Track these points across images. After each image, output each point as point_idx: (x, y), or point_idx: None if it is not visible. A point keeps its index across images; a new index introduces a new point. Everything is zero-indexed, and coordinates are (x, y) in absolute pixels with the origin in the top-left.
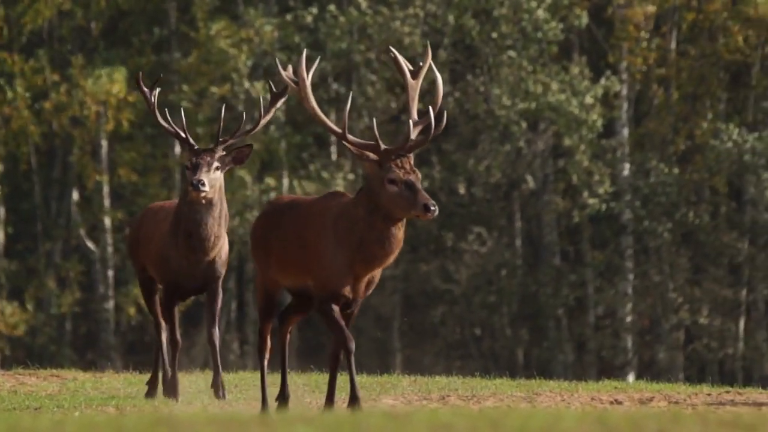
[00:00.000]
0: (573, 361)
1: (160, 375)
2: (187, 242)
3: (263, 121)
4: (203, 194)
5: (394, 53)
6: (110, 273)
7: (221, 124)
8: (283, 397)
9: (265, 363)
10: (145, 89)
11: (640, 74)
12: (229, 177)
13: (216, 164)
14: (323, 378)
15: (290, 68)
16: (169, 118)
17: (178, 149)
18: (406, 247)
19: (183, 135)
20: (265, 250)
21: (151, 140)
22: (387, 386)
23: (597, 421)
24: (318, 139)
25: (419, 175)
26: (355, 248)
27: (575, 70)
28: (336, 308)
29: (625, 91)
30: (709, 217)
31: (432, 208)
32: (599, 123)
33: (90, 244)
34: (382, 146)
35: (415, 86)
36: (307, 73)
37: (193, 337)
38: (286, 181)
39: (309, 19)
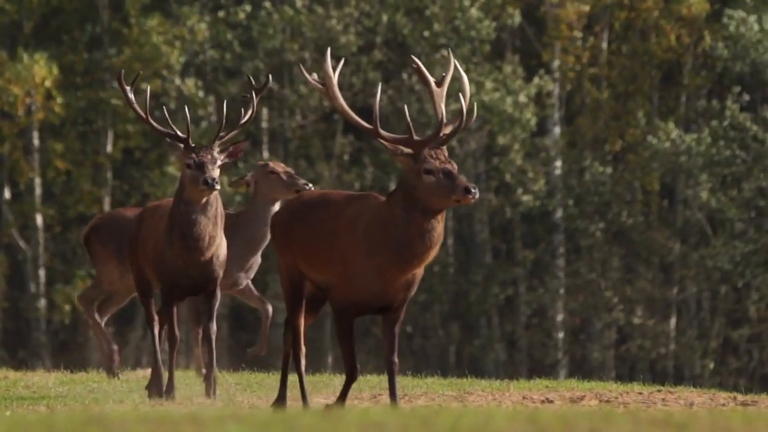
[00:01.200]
0: (504, 360)
1: (165, 374)
2: (182, 242)
3: (246, 119)
4: (215, 192)
5: (417, 63)
6: (41, 272)
7: (223, 120)
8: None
9: (302, 358)
10: (126, 87)
11: (573, 73)
12: (160, 172)
13: (218, 161)
14: (255, 377)
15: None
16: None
17: (110, 147)
18: None
19: (181, 135)
20: (289, 242)
21: (82, 137)
22: (319, 385)
23: (528, 420)
24: (249, 136)
25: (455, 166)
26: (392, 251)
27: (508, 69)
28: (352, 323)
29: (557, 90)
30: (642, 216)
31: (473, 190)
32: (533, 122)
33: (21, 243)
34: (416, 138)
35: (440, 93)
36: (333, 73)
37: (126, 335)
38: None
39: (242, 16)
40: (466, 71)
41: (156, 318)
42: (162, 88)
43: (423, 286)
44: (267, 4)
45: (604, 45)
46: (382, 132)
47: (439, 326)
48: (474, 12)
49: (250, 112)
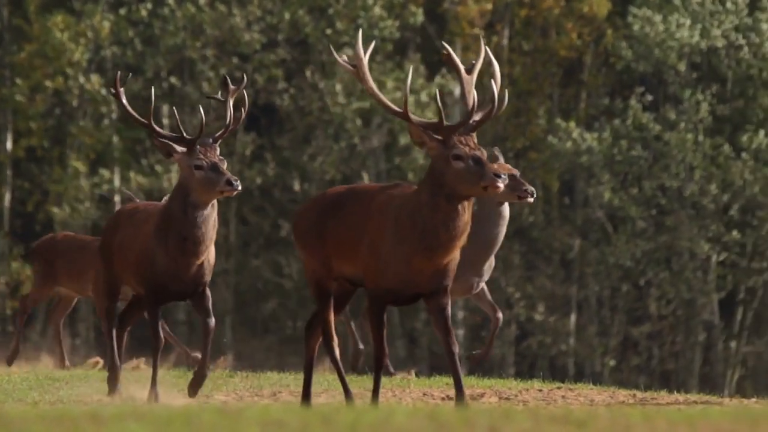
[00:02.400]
0: (405, 357)
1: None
2: (180, 245)
3: (231, 122)
4: (239, 191)
5: (447, 50)
6: None
7: (229, 121)
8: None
9: (336, 354)
10: (120, 89)
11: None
12: (62, 170)
13: (225, 161)
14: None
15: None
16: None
17: (10, 144)
18: (238, 241)
19: (188, 137)
20: (320, 239)
21: None
22: (218, 382)
23: (428, 416)
24: (151, 134)
25: (485, 152)
26: (418, 238)
27: (409, 67)
28: (384, 315)
29: (456, 88)
30: (543, 214)
31: (502, 176)
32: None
33: None
34: (445, 123)
35: (470, 80)
36: (365, 55)
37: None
38: (118, 175)
39: (144, 13)
40: (369, 70)
41: (116, 324)
42: (65, 85)
43: None
44: (170, 1)
45: (506, 43)
46: (412, 116)
47: (340, 322)
48: (377, 10)
49: (230, 114)
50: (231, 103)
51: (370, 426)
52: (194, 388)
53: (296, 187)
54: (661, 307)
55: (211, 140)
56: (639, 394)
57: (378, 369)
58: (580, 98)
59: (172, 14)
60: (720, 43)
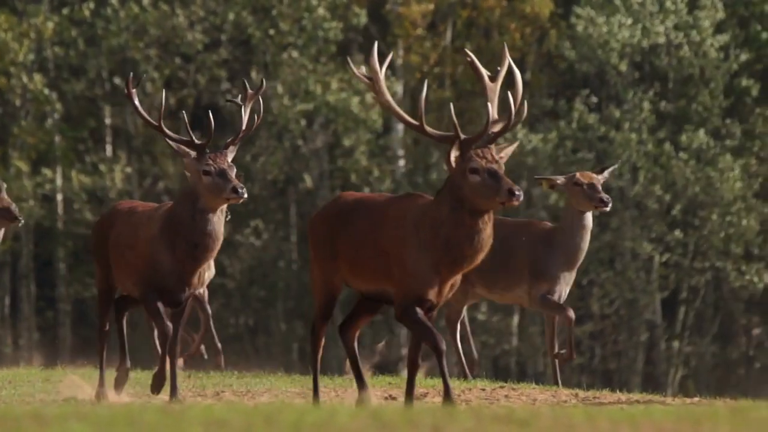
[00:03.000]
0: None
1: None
2: (190, 252)
3: (245, 125)
4: (244, 198)
5: (471, 57)
6: None
7: (244, 126)
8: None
9: (318, 360)
10: (132, 91)
11: (419, 72)
12: (5, 169)
13: (234, 168)
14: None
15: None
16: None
17: None
18: None
19: (197, 141)
20: (332, 252)
21: None
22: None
23: (371, 416)
24: (94, 133)
25: (503, 165)
26: (442, 250)
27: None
28: (420, 311)
29: (401, 89)
30: None
31: (517, 193)
32: (378, 123)
33: None
34: (462, 136)
35: (494, 88)
36: (380, 67)
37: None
38: (60, 174)
39: (87, 13)
40: (313, 71)
41: (105, 330)
42: (8, 85)
43: (266, 282)
44: (113, 1)
45: (448, 43)
46: (428, 128)
47: (282, 322)
48: (321, 11)
49: (248, 118)
50: (249, 107)
51: (312, 425)
52: (156, 388)
53: None
54: (603, 306)
55: (231, 146)
56: (582, 394)
57: (440, 363)
58: (524, 99)
59: (115, 14)
60: (661, 39)
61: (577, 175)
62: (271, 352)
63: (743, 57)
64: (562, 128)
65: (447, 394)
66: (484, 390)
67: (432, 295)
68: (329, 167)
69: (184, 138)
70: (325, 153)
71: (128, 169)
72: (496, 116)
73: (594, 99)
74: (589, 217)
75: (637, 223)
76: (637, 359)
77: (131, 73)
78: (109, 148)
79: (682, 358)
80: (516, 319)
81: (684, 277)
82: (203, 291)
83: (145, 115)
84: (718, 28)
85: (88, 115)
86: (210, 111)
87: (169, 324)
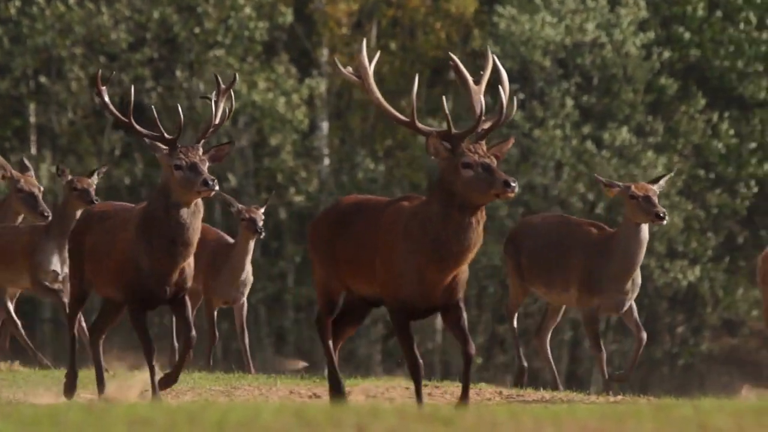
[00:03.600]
0: (272, 355)
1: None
2: (167, 248)
3: (218, 120)
4: (215, 193)
5: (454, 61)
6: None
7: (212, 122)
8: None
9: (332, 353)
10: (102, 88)
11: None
12: None
13: (207, 162)
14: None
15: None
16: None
17: None
18: None
19: (168, 136)
20: (332, 255)
21: None
22: (85, 381)
23: (295, 414)
24: (19, 132)
25: (494, 160)
26: (429, 250)
27: (281, 68)
28: (406, 320)
29: (324, 87)
30: None
31: (512, 184)
32: (305, 123)
33: None
34: (453, 131)
35: (478, 90)
36: (372, 62)
37: None
38: None
39: (12, 11)
40: (239, 71)
41: (90, 333)
42: None
43: None
44: (39, 0)
45: (373, 43)
46: (420, 125)
47: (206, 321)
48: (247, 11)
49: (220, 112)
50: (222, 102)
51: (236, 424)
52: (162, 387)
53: None
54: (526, 305)
55: (202, 141)
56: (505, 391)
57: (416, 379)
58: (448, 97)
59: (41, 13)
60: (585, 38)
61: (633, 187)
62: (194, 351)
63: (665, 55)
64: None
65: (465, 396)
66: (407, 388)
67: (419, 299)
68: (254, 166)
69: (155, 133)
70: (250, 152)
71: (53, 168)
72: (482, 115)
73: (521, 96)
74: (645, 229)
75: None
76: (561, 358)
77: (99, 70)
78: (33, 147)
79: (606, 357)
80: (440, 318)
81: None
82: (242, 302)
83: (116, 111)
84: (641, 27)
85: (13, 114)
86: (180, 107)
87: (152, 341)
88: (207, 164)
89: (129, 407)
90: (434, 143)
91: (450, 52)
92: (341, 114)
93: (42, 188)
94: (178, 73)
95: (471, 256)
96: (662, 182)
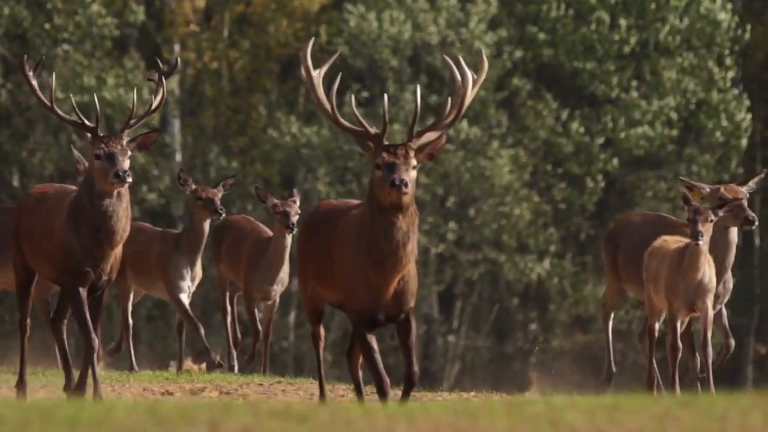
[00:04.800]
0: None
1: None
2: (94, 236)
3: (156, 103)
4: (127, 184)
5: (448, 60)
6: None
7: (134, 109)
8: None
9: (320, 361)
10: (29, 73)
11: (194, 69)
12: None
13: (128, 151)
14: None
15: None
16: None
17: None
18: None
19: (88, 124)
20: (303, 260)
21: None
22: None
23: (148, 411)
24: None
25: (413, 162)
26: (365, 252)
27: (130, 64)
28: (365, 331)
29: (175, 84)
30: (263, 210)
31: (398, 183)
32: (156, 119)
33: None
34: (371, 131)
35: (465, 93)
36: (324, 66)
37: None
38: None
39: None
40: (88, 66)
41: (27, 321)
42: None
43: None
44: None
45: (223, 39)
46: (342, 121)
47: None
48: (95, 7)
49: (159, 97)
50: (164, 87)
51: (89, 421)
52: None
53: (15, 182)
54: None
55: (126, 129)
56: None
57: (381, 395)
58: (299, 93)
59: None
60: (433, 39)
61: (722, 189)
62: (48, 348)
63: (518, 54)
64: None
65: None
66: (261, 385)
67: (371, 307)
68: None
69: (77, 120)
70: None
71: None
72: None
73: (365, 94)
74: (734, 233)
75: None
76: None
77: (25, 56)
78: None
79: (459, 353)
80: (293, 316)
81: (459, 270)
82: (273, 300)
83: (41, 96)
84: (492, 25)
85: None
86: (95, 96)
87: (95, 337)
88: (128, 154)
89: None
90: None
91: (444, 57)
92: (194, 111)
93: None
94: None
95: (405, 254)
96: (752, 183)
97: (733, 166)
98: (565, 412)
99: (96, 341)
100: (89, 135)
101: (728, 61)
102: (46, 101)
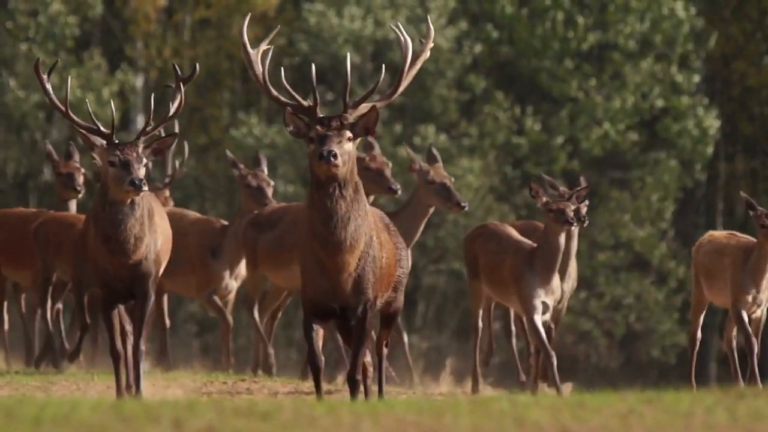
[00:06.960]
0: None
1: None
2: (106, 246)
3: (174, 110)
4: (143, 192)
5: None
6: None
7: (150, 115)
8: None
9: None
10: (43, 76)
11: (156, 68)
12: None
13: (144, 158)
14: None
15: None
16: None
17: None
18: None
19: (104, 130)
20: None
21: None
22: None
23: (112, 409)
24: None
25: (347, 134)
26: (310, 236)
27: (91, 63)
28: (311, 331)
29: (140, 83)
30: (226, 207)
31: (325, 154)
32: (116, 117)
33: None
34: (304, 103)
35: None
36: (263, 43)
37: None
38: None
39: None
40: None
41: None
42: None
43: None
44: None
45: (184, 38)
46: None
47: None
48: (56, 6)
49: (177, 103)
50: (182, 93)
51: (53, 419)
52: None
53: None
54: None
55: (142, 136)
56: (324, 387)
57: (314, 377)
58: (261, 93)
59: None
60: (393, 36)
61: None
62: (14, 346)
63: (477, 49)
64: None
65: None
66: (225, 383)
67: (323, 296)
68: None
69: (92, 126)
70: (63, 147)
71: None
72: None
73: (330, 96)
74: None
75: None
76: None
77: (38, 59)
78: None
79: (422, 352)
80: (256, 314)
81: (422, 273)
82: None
83: (56, 101)
84: (451, 21)
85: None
86: (112, 102)
87: (120, 348)
88: (144, 161)
89: None
90: (290, 118)
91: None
92: (156, 108)
93: (271, 183)
94: None
95: (348, 236)
96: None
97: (696, 172)
98: (530, 409)
99: (142, 347)
100: (104, 142)
101: (693, 62)
102: (61, 106)
